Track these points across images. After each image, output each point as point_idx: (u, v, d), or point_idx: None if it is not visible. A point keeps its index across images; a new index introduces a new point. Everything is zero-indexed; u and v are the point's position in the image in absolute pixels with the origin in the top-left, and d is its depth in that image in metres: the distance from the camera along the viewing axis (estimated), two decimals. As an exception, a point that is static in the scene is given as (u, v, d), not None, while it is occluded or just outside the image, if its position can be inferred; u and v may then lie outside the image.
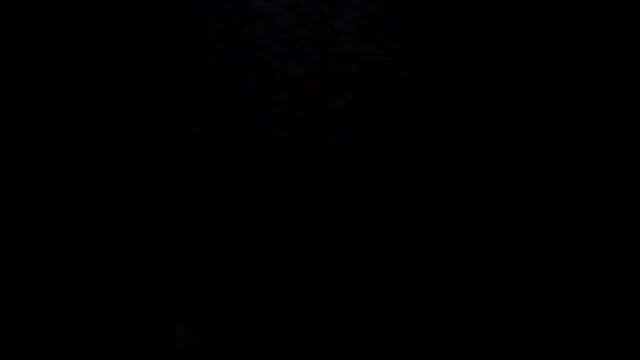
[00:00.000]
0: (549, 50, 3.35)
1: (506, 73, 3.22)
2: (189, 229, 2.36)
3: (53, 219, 2.56)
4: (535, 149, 2.80)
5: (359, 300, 1.99)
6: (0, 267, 2.46)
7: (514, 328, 2.02)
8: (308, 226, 2.44)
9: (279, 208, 2.52)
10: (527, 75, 3.19)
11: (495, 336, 1.95)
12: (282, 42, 3.38)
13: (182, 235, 2.31)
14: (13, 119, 2.83)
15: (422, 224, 2.48)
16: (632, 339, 2.13)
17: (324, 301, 2.04)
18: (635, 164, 2.68)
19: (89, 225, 2.42)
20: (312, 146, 2.81)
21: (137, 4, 3.66)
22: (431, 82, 3.14)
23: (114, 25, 3.52)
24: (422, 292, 2.01)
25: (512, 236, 2.35)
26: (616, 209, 2.51)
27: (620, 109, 2.98)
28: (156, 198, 2.53)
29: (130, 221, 2.38)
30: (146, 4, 3.65)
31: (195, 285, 2.23)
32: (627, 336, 2.15)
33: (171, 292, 2.40)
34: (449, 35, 3.45)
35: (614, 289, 2.29)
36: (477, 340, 1.90)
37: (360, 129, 2.89)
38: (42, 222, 2.56)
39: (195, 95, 3.04)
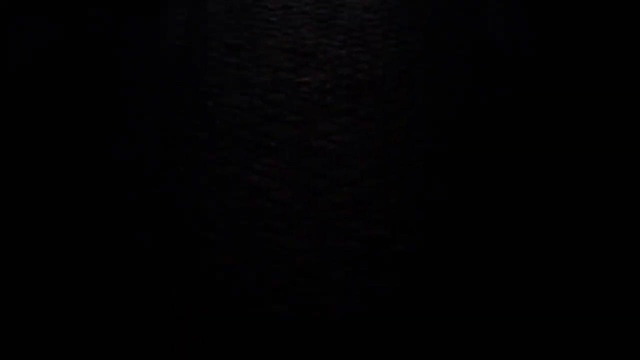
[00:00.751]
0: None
1: (506, 255, 3.33)
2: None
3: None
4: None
5: None
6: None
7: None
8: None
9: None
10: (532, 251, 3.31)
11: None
12: (279, 217, 3.51)
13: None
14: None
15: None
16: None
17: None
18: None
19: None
20: (308, 321, 2.88)
21: (132, 190, 3.82)
22: (429, 256, 3.26)
23: (113, 208, 3.66)
24: None
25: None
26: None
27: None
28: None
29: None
30: (140, 185, 3.80)
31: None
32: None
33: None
34: (448, 208, 3.59)
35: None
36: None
37: (357, 303, 2.97)
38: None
39: (193, 268, 3.14)
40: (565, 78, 5.03)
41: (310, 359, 2.70)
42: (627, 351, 2.13)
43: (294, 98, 4.72)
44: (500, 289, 3.06)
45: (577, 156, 4.06)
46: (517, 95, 4.78)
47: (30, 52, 5.28)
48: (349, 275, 3.13)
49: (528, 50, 5.50)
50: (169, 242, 3.31)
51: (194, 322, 2.83)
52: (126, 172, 3.85)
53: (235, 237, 3.36)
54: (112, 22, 5.93)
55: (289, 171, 3.90)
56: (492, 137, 4.26)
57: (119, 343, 2.73)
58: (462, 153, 4.09)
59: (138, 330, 2.79)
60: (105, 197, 3.63)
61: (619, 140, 4.20)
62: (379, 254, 3.26)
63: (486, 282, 3.10)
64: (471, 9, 6.39)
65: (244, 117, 4.46)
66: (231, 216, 3.51)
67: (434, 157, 4.05)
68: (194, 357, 2.66)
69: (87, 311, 2.88)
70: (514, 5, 6.49)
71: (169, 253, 3.24)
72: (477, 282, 3.10)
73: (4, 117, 4.38)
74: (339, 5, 6.43)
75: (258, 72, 5.09)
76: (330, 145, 4.18)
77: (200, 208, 3.56)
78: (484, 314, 2.92)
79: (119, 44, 5.52)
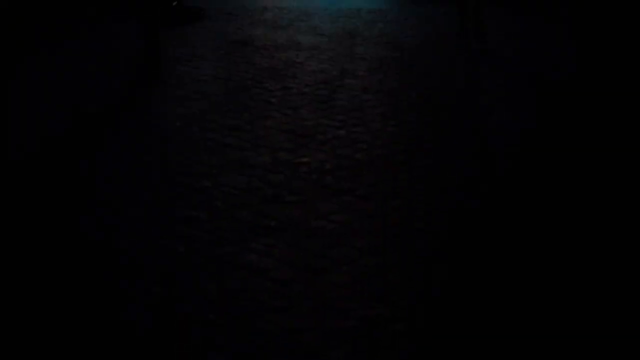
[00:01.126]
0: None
1: (506, 335, 3.38)
2: None
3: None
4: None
5: None
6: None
7: None
8: None
9: None
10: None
11: None
12: (279, 297, 3.57)
13: None
14: None
15: None
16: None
17: None
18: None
19: None
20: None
21: (131, 269, 3.88)
22: (428, 335, 3.31)
23: (107, 287, 3.72)
24: None
25: None
26: None
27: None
28: None
29: None
30: (139, 264, 3.87)
31: None
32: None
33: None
34: (447, 287, 3.65)
35: None
36: None
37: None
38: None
39: (192, 349, 3.19)
40: (559, 172, 5.14)
41: None
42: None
43: (293, 178, 4.82)
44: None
45: (576, 246, 4.13)
46: (514, 179, 4.88)
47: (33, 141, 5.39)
48: (348, 354, 3.18)
49: (523, 139, 5.63)
50: (168, 322, 3.37)
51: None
52: (125, 252, 3.92)
53: (235, 316, 3.42)
54: (110, 105, 6.07)
55: (289, 251, 3.97)
56: (491, 217, 4.34)
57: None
58: (461, 232, 4.16)
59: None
60: (104, 278, 3.69)
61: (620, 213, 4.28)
62: (377, 333, 3.32)
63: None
64: (471, 91, 6.54)
65: (243, 198, 4.55)
66: (230, 295, 3.57)
67: (432, 237, 4.12)
68: None
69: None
70: (514, 90, 6.65)
71: (168, 333, 3.29)
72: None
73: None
74: (338, 87, 6.58)
75: (257, 152, 5.20)
76: (329, 225, 4.26)
77: (199, 287, 3.62)
78: None
79: (119, 123, 5.65)
